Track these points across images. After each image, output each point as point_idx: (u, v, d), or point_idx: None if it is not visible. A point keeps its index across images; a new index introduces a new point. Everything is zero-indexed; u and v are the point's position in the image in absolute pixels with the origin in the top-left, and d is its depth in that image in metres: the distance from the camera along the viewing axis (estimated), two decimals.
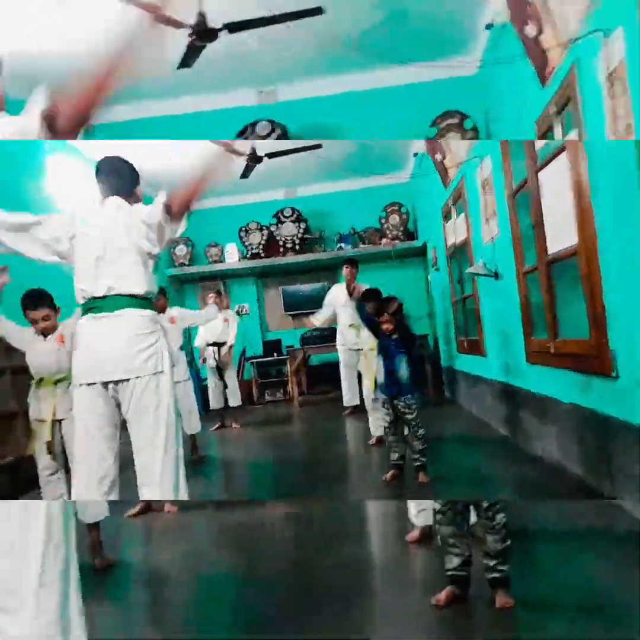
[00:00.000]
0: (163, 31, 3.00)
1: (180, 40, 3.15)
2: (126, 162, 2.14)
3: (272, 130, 4.60)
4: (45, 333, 2.65)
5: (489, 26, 3.45)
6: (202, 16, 3.07)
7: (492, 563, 1.67)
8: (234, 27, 3.14)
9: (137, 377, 1.89)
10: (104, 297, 1.92)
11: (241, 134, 4.52)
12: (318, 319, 5.32)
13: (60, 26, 3.42)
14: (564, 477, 2.70)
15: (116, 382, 1.90)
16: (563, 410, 2.74)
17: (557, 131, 2.61)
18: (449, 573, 1.72)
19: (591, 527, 2.22)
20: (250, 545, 2.46)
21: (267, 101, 4.49)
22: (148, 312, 1.97)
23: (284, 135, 4.51)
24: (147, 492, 1.91)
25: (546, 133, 2.75)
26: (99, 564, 2.29)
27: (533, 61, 2.71)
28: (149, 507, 3.00)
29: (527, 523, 2.30)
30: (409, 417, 2.94)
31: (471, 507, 1.76)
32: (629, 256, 1.98)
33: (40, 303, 2.60)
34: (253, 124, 4.47)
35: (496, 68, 3.45)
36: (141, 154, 5.01)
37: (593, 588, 1.76)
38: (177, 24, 3.02)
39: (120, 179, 2.08)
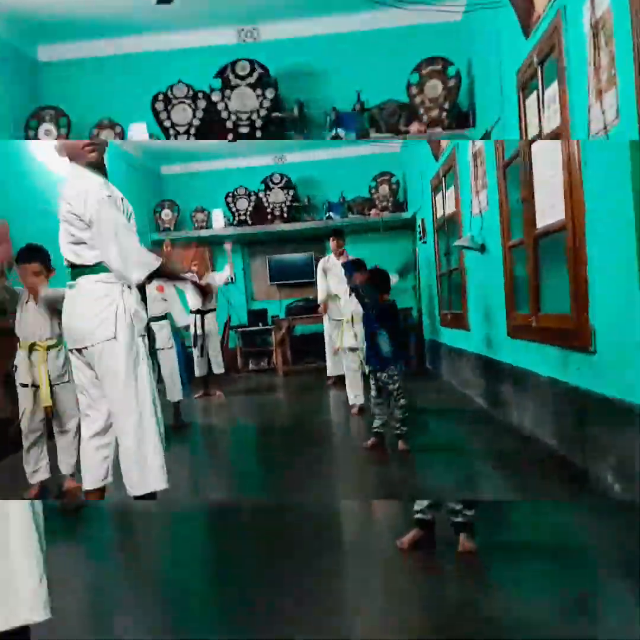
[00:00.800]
0: None
1: None
2: None
3: (252, 70, 4.00)
4: (33, 292, 2.60)
5: None
6: None
7: (397, 425, 1.85)
8: None
9: (92, 345, 1.89)
10: (68, 267, 1.97)
11: (220, 74, 4.01)
12: (321, 297, 5.21)
13: None
14: (538, 448, 2.78)
15: (79, 350, 1.94)
16: (541, 383, 2.80)
17: (539, 83, 2.56)
18: (416, 516, 1.78)
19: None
20: None
21: (248, 40, 4.12)
22: (103, 276, 1.90)
23: (265, 76, 4.02)
24: (121, 464, 1.91)
25: (528, 82, 2.68)
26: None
27: (517, 8, 2.62)
28: (207, 393, 5.19)
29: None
30: (391, 387, 3.00)
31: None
32: (615, 234, 1.98)
33: (33, 257, 2.55)
34: (233, 63, 4.03)
35: (481, 14, 3.32)
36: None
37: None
38: None
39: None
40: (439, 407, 4.30)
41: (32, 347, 2.61)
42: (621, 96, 1.87)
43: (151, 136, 4.37)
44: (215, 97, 4.13)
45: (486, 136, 3.63)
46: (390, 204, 7.00)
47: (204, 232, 7.10)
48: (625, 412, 1.94)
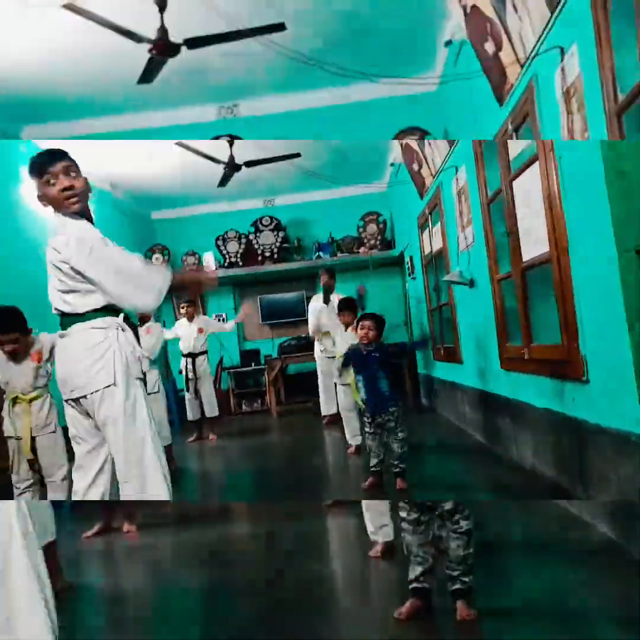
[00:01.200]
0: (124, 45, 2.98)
1: (141, 54, 3.10)
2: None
3: (272, 221, 6.43)
4: (14, 356, 2.61)
5: (448, 43, 3.49)
6: (163, 31, 3.02)
7: (455, 573, 1.64)
8: (195, 43, 3.10)
9: (91, 393, 1.85)
10: (59, 315, 1.91)
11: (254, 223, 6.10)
12: (311, 329, 5.27)
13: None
14: (538, 480, 2.73)
15: (76, 400, 1.88)
16: (537, 415, 2.78)
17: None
18: (412, 585, 1.69)
19: (557, 538, 2.24)
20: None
21: (228, 116, 4.47)
22: (97, 322, 1.86)
23: (279, 224, 5.07)
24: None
25: (423, 225, 2.88)
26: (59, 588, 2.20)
27: (491, 78, 2.76)
28: (201, 437, 4.82)
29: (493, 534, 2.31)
30: (391, 425, 2.95)
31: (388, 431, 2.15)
32: (599, 262, 2.03)
33: (8, 326, 2.56)
34: (215, 139, 4.51)
35: (455, 85, 3.51)
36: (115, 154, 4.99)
37: (558, 597, 1.74)
38: (138, 39, 3.00)
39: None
40: (435, 442, 4.25)
41: (15, 400, 2.62)
42: (474, 228, 2.02)
43: (216, 261, 7.10)
44: (251, 237, 7.28)
45: (402, 254, 6.52)
46: (378, 242, 7.14)
47: None
48: (621, 440, 1.93)
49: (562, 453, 2.52)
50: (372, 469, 3.00)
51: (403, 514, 1.74)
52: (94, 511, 2.83)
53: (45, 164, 1.83)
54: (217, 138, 4.46)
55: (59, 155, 1.86)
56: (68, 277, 1.84)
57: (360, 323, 3.06)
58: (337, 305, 4.01)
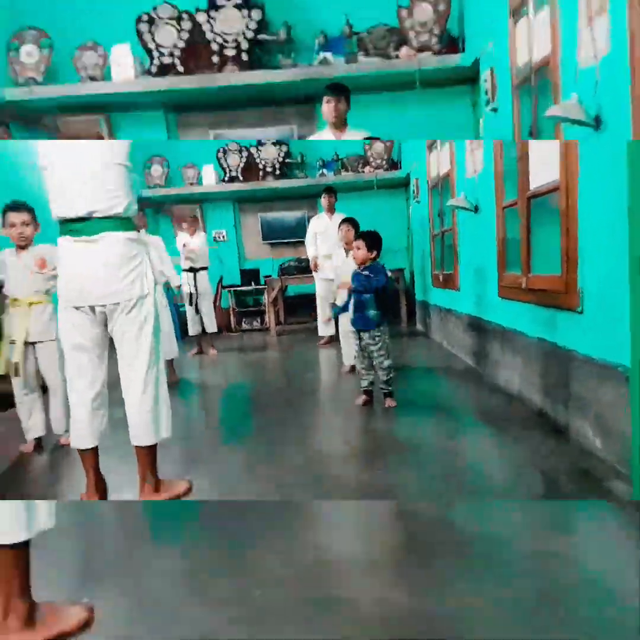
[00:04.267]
0: None
1: None
2: None
3: None
4: (20, 244, 2.58)
5: None
6: None
7: (382, 387, 3.02)
8: None
9: (126, 301, 1.90)
10: (84, 219, 1.85)
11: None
12: (310, 252, 5.31)
13: None
14: (523, 405, 2.87)
15: (103, 306, 1.91)
16: (529, 343, 2.86)
17: (529, 7, 2.30)
18: (362, 388, 3.11)
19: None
20: None
21: None
22: (131, 234, 1.92)
23: None
24: (131, 414, 1.97)
25: (519, 7, 2.49)
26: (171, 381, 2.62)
27: None
28: (201, 351, 5.43)
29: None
30: (373, 348, 3.03)
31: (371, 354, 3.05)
32: (607, 196, 1.99)
33: (22, 207, 2.54)
34: None
35: None
36: None
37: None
38: None
39: None
40: (427, 366, 4.39)
41: (14, 303, 2.60)
42: (612, 24, 1.73)
43: (135, 58, 4.11)
44: (200, 17, 3.96)
45: (476, 63, 3.50)
46: (384, 162, 6.87)
47: (194, 189, 6.97)
48: (609, 372, 2.01)
49: (549, 380, 2.62)
50: (362, 389, 3.15)
51: (356, 354, 3.15)
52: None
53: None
54: None
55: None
56: (118, 171, 1.87)
57: (354, 243, 3.05)
58: (338, 225, 3.97)
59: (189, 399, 3.88)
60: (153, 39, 4.03)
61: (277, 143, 6.85)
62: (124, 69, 4.05)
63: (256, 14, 3.95)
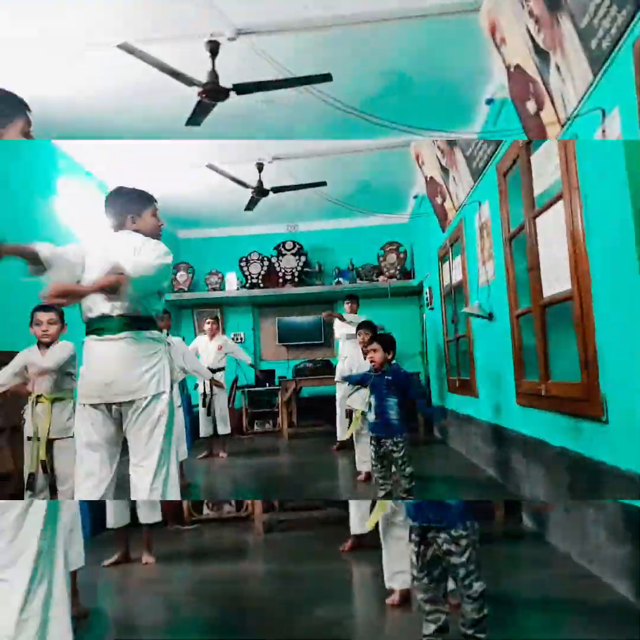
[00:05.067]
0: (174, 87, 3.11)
1: (191, 97, 3.21)
2: (133, 189, 2.18)
3: (294, 245, 7.29)
4: (45, 341, 2.66)
5: (489, 101, 3.56)
6: (214, 75, 3.13)
7: (469, 631, 1.61)
8: (243, 89, 3.20)
9: (142, 398, 1.92)
10: (107, 318, 1.94)
11: (277, 248, 7.08)
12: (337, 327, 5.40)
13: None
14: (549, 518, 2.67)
15: (119, 404, 1.93)
16: (552, 453, 2.75)
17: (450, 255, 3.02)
18: (425, 638, 1.66)
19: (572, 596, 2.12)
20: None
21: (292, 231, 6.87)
22: (153, 332, 1.99)
23: (301, 249, 6.60)
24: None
25: (444, 255, 4.26)
26: (75, 613, 2.20)
27: (531, 137, 2.80)
28: (128, 558, 2.83)
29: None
30: (396, 455, 2.91)
31: (449, 575, 1.68)
32: (621, 302, 2.04)
33: (49, 308, 2.65)
34: (284, 242, 6.99)
35: (417, 220, 3.98)
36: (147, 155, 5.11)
37: None
38: (189, 82, 3.12)
39: (127, 206, 2.14)
40: (446, 475, 4.19)
41: (37, 399, 2.64)
42: (496, 265, 3.44)
43: (237, 280, 7.44)
44: (273, 260, 7.37)
45: (420, 284, 6.90)
46: (397, 272, 7.20)
47: (216, 294, 7.29)
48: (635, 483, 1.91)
49: (577, 494, 2.48)
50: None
51: (414, 573, 1.67)
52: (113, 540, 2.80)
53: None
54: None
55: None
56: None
57: (370, 346, 3.07)
58: (357, 328, 4.07)
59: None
60: (248, 270, 7.38)
61: (297, 254, 7.27)
62: (231, 285, 7.31)
63: (303, 258, 7.33)
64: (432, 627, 1.64)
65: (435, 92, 3.76)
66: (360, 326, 3.99)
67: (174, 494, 1.97)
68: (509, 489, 3.41)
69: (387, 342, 3.04)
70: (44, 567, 1.20)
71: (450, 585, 1.72)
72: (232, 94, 3.23)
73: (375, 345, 3.00)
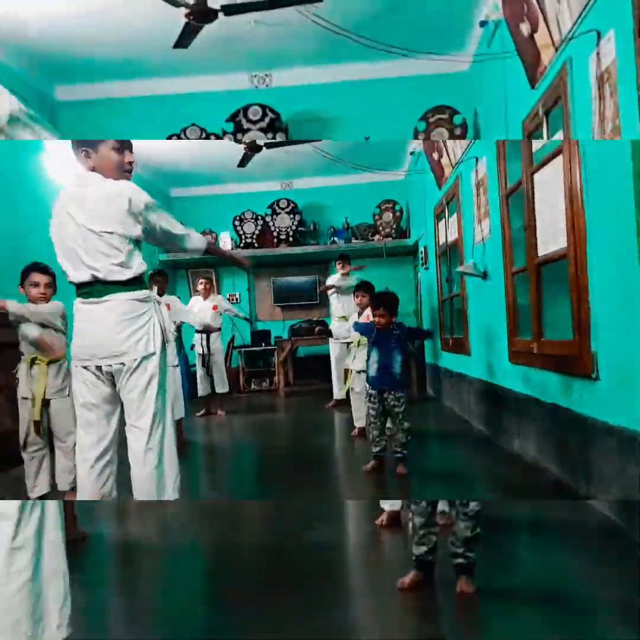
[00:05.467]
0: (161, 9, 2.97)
1: (177, 19, 3.09)
2: None
3: (264, 115, 4.41)
4: (44, 302, 2.66)
5: (482, 23, 3.46)
6: None
7: (459, 550, 1.69)
8: (232, 10, 3.09)
9: (132, 360, 1.91)
10: (89, 283, 1.91)
11: (232, 118, 4.39)
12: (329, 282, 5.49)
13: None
14: (540, 476, 2.77)
15: (109, 365, 1.92)
16: (543, 410, 2.82)
17: (544, 132, 2.65)
18: (415, 558, 1.75)
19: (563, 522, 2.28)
20: None
21: (260, 86, 4.46)
22: (138, 294, 1.94)
23: (277, 121, 4.41)
24: (135, 471, 1.94)
25: (533, 133, 2.77)
26: (72, 536, 2.30)
27: (525, 60, 2.73)
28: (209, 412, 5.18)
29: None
30: (397, 410, 2.97)
31: (393, 416, 1.80)
32: (617, 261, 2.04)
33: (46, 270, 2.63)
34: (245, 108, 4.35)
35: (488, 65, 3.46)
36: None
37: (558, 580, 1.79)
38: (176, 3, 3.00)
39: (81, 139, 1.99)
40: (438, 431, 4.30)
41: (33, 361, 2.65)
42: (492, 223, 2.21)
43: (231, 240, 7.04)
44: (267, 219, 7.22)
45: (416, 243, 6.73)
46: (393, 231, 7.12)
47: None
48: (628, 439, 1.97)
49: (566, 449, 2.56)
50: (374, 454, 3.06)
51: (371, 415, 1.77)
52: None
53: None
54: (247, 107, 4.41)
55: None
56: (118, 239, 1.88)
57: (374, 311, 3.09)
58: (354, 289, 4.08)
59: (197, 461, 3.81)
60: (242, 230, 7.21)
61: (291, 212, 7.16)
62: (225, 245, 7.00)
63: (297, 217, 7.17)
64: (378, 448, 2.25)
65: (428, 14, 3.62)
66: (358, 288, 3.99)
67: (171, 453, 2.00)
68: (499, 444, 3.51)
69: (393, 306, 3.08)
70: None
71: (440, 506, 1.81)
72: (220, 15, 3.11)
73: (381, 312, 3.03)
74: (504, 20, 2.90)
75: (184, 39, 3.31)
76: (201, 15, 3.07)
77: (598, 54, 2.07)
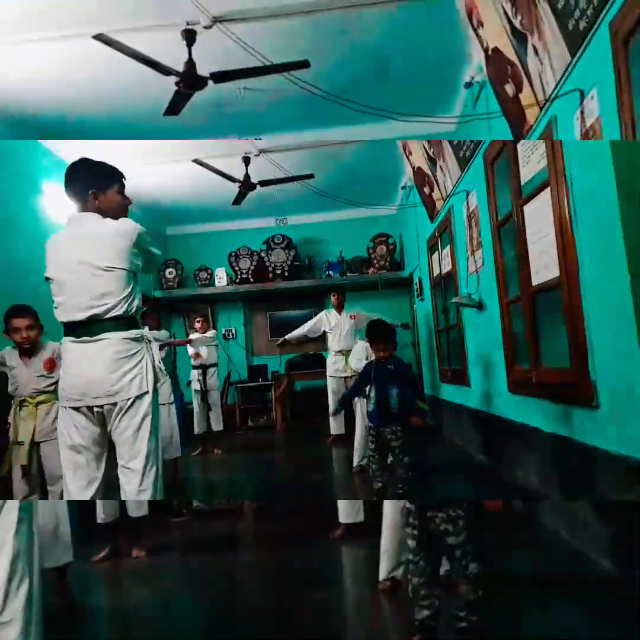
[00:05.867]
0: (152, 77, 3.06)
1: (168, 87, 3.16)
2: (99, 162, 2.00)
3: (284, 240, 7.10)
4: (26, 347, 2.62)
5: (467, 85, 3.55)
6: (191, 64, 3.08)
7: (462, 613, 1.64)
8: (221, 77, 3.16)
9: (123, 400, 1.88)
10: (83, 321, 1.88)
11: (267, 242, 6.77)
12: (289, 335, 5.51)
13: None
14: (544, 505, 2.71)
15: (101, 406, 1.89)
16: (544, 439, 2.77)
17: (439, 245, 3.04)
18: (418, 622, 1.68)
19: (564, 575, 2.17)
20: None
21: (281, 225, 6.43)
22: (131, 333, 1.92)
23: (291, 243, 5.94)
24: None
25: (433, 246, 3.97)
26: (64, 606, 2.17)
27: (510, 120, 2.80)
28: (116, 552, 2.71)
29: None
30: (394, 444, 2.91)
31: (444, 558, 1.71)
32: (609, 287, 2.05)
33: (24, 313, 2.60)
34: (274, 236, 6.46)
35: (474, 125, 3.57)
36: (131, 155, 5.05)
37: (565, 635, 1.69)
38: (166, 71, 3.06)
39: (90, 181, 1.96)
40: (439, 463, 4.22)
41: (22, 403, 2.60)
42: (484, 254, 3.44)
43: (227, 275, 7.28)
44: (263, 254, 7.24)
45: (410, 275, 6.81)
46: (387, 263, 7.20)
47: (206, 290, 7.24)
48: (629, 468, 1.93)
49: (569, 478, 2.50)
50: (376, 491, 2.94)
51: (410, 556, 1.70)
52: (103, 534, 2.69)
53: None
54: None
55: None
56: (123, 275, 1.90)
57: (377, 346, 3.05)
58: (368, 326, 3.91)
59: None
60: (237, 265, 7.25)
61: (287, 247, 7.25)
62: (221, 280, 7.16)
63: (292, 252, 7.22)
64: (379, 485, 1.62)
65: (414, 77, 3.74)
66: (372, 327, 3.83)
67: (162, 494, 1.96)
68: (502, 476, 3.44)
69: (393, 340, 3.06)
70: (23, 567, 1.19)
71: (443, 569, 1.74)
72: (210, 82, 3.18)
73: (380, 346, 3.00)
74: (488, 82, 2.94)
75: (175, 105, 3.37)
76: (191, 82, 3.12)
77: (582, 111, 2.11)
